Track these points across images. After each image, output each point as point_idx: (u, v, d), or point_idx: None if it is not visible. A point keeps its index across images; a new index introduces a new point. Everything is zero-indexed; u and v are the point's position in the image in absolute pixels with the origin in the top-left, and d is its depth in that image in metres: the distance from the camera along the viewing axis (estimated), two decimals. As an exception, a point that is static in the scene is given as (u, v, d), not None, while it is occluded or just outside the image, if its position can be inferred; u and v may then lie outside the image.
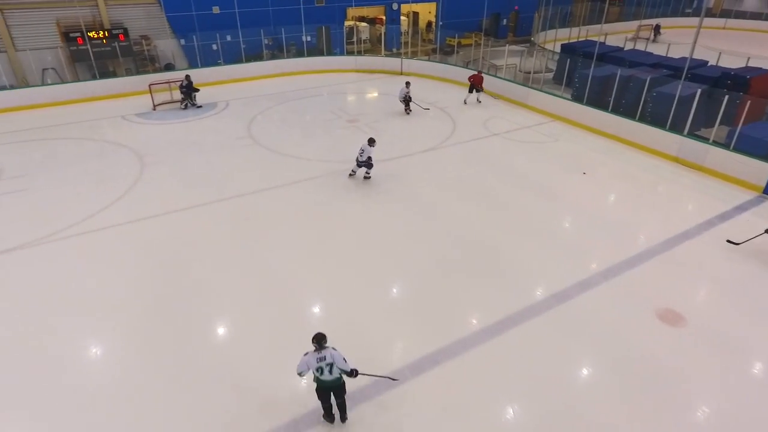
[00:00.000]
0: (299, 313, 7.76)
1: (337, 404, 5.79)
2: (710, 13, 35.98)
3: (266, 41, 23.18)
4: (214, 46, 21.89)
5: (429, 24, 30.50)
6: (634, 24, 31.96)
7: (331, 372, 5.44)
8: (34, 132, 15.40)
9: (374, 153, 11.80)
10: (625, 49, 22.07)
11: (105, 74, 20.09)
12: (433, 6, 29.00)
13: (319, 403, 5.74)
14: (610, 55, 19.79)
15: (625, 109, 15.32)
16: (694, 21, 34.18)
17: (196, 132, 15.59)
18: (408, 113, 17.05)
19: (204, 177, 12.36)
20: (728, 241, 9.56)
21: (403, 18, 28.70)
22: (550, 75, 20.79)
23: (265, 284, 8.38)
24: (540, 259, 9.14)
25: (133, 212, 10.58)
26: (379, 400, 6.20)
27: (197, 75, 18.95)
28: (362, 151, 11.77)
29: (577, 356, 7.00)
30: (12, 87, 18.27)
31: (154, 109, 17.53)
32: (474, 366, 6.75)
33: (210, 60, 21.90)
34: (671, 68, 17.14)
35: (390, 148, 14.04)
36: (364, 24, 27.83)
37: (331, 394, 5.68)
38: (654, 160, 13.69)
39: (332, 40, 25.44)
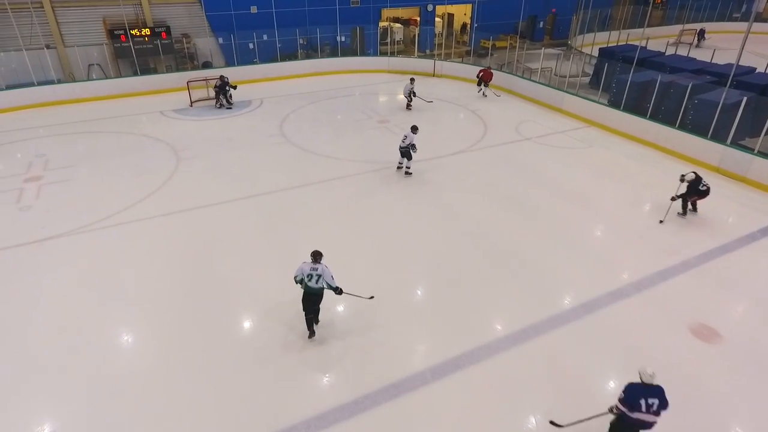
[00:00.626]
0: (324, 309, 7.83)
1: (314, 310, 7.07)
2: (760, 18, 34.34)
3: (301, 41, 23.52)
4: (251, 45, 22.36)
5: (464, 26, 30.28)
6: (676, 28, 30.84)
7: (317, 282, 6.72)
8: (79, 125, 16.09)
9: (416, 141, 12.09)
10: (667, 54, 21.36)
11: (146, 71, 20.80)
12: (468, 8, 28.77)
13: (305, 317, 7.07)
14: (651, 60, 19.20)
15: (664, 116, 14.83)
16: (741, 26, 32.86)
17: (230, 129, 15.95)
18: (409, 109, 17.58)
19: (236, 173, 12.64)
20: (660, 221, 10.24)
21: (437, 19, 28.58)
22: (587, 79, 20.33)
23: (291, 281, 8.49)
24: (569, 267, 8.96)
25: (168, 205, 10.93)
26: (398, 401, 6.20)
27: (233, 73, 19.39)
28: (405, 137, 12.05)
29: (605, 369, 6.82)
30: (59, 81, 19.13)
31: (191, 106, 18.04)
32: (497, 373, 6.67)
33: (246, 59, 22.38)
34: (715, 75, 16.49)
35: (420, 150, 14.00)
36: (398, 25, 27.88)
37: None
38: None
39: (366, 41, 25.58)
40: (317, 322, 7.29)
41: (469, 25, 29.16)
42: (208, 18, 22.22)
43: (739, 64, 13.74)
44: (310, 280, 6.72)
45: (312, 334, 7.15)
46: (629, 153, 14.25)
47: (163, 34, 20.92)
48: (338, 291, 6.88)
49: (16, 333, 7.35)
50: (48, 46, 19.42)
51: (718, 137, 13.11)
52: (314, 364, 6.81)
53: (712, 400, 6.35)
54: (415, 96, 17.44)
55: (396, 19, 29.25)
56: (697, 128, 13.70)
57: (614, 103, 16.29)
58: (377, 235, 9.91)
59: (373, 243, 9.65)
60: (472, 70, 21.67)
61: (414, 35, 25.85)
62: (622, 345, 7.17)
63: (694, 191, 10.14)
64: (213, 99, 18.18)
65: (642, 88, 15.66)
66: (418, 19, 27.92)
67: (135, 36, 20.32)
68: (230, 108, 17.93)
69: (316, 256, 6.77)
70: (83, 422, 5.96)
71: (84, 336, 7.26)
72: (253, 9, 22.89)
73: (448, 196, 11.52)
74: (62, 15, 19.91)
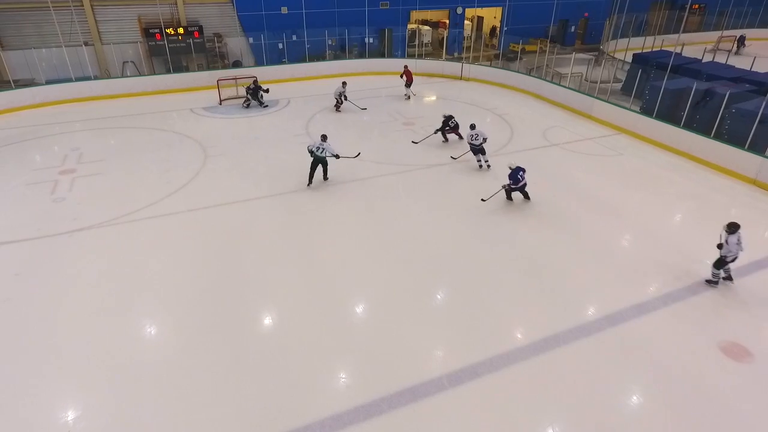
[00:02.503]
0: (344, 312, 7.86)
1: (324, 170, 11.80)
2: (805, 25, 33.02)
3: (330, 42, 23.71)
4: (280, 45, 22.66)
5: (493, 29, 29.99)
6: (714, 35, 29.85)
7: (321, 153, 11.29)
8: (112, 120, 16.58)
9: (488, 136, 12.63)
10: (704, 61, 20.70)
11: (178, 69, 21.30)
12: (498, 11, 28.49)
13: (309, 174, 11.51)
14: (686, 67, 18.61)
15: (699, 125, 14.35)
16: (785, 33, 31.64)
17: (257, 127, 16.18)
18: (338, 111, 17.70)
19: (262, 172, 12.80)
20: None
21: (466, 22, 28.39)
22: (619, 85, 19.86)
23: (312, 281, 8.55)
24: (594, 278, 8.74)
25: (195, 201, 11.14)
26: (413, 407, 6.15)
27: (262, 72, 19.73)
28: (475, 135, 12.37)
29: (628, 384, 6.61)
30: (96, 78, 19.75)
31: (220, 104, 18.37)
32: (515, 383, 6.55)
33: (275, 58, 22.69)
34: (755, 83, 15.87)
35: (446, 152, 13.94)
36: (426, 27, 27.80)
37: (319, 165, 11.58)
38: (728, 181, 12.74)
39: (393, 43, 25.60)
40: (327, 178, 11.95)
41: (498, 29, 28.87)
42: (239, 18, 22.63)
43: (781, 72, 13.22)
44: (317, 151, 11.26)
45: (310, 183, 11.63)
46: (661, 162, 13.85)
47: (196, 33, 21.42)
48: (336, 156, 11.52)
49: (47, 319, 7.59)
50: (86, 44, 20.12)
51: (756, 148, 12.61)
52: (332, 364, 6.82)
53: (738, 418, 6.09)
54: (346, 99, 17.58)
55: (425, 22, 29.19)
56: (734, 138, 13.20)
57: (647, 111, 15.85)
58: (398, 238, 9.87)
59: (394, 245, 9.62)
60: (501, 75, 21.49)
61: (442, 38, 25.74)
62: (647, 360, 6.94)
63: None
64: (242, 98, 18.47)
65: (676, 95, 15.20)
66: (447, 21, 27.79)
67: (169, 35, 20.84)
68: (266, 106, 18.27)
69: (324, 137, 11.42)
70: (105, 409, 6.11)
71: (110, 325, 7.45)
72: (284, 9, 23.19)
73: (472, 201, 11.39)
74: (100, 13, 20.58)
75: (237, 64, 22.25)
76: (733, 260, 8.29)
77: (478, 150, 12.63)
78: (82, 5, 19.99)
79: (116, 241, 9.67)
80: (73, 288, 8.32)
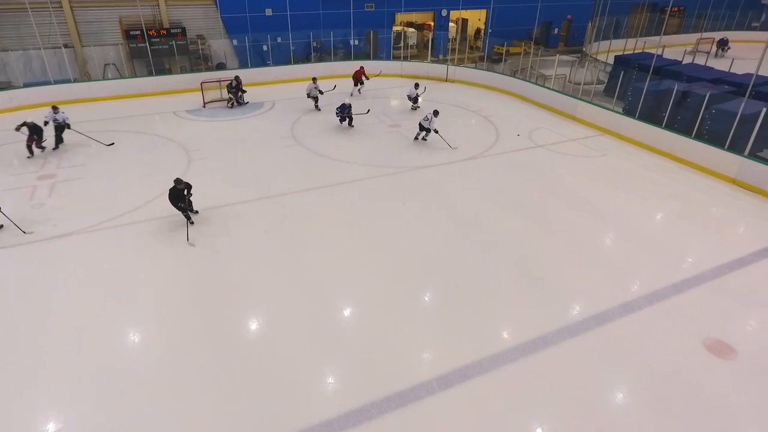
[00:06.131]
0: (331, 315, 7.79)
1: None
2: (780, 27, 33.85)
3: (315, 44, 23.61)
4: (264, 47, 22.49)
5: (477, 31, 30.19)
6: (694, 37, 30.45)
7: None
8: (93, 124, 16.22)
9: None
10: (684, 62, 21.07)
11: (161, 71, 21.01)
12: (483, 13, 28.69)
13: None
14: (667, 69, 18.91)
15: (680, 125, 14.60)
16: (761, 35, 32.41)
17: (242, 130, 16.02)
18: (319, 110, 17.90)
19: (247, 175, 12.66)
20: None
21: (451, 24, 28.52)
22: (602, 87, 20.12)
23: (299, 284, 8.46)
24: (580, 278, 8.81)
25: (178, 205, 10.94)
26: (403, 411, 6.11)
27: (247, 75, 19.53)
28: (428, 118, 14.39)
29: (615, 383, 6.66)
30: (76, 80, 19.37)
31: (204, 107, 18.16)
32: (504, 384, 6.55)
33: (260, 60, 22.51)
34: (734, 84, 16.17)
35: (432, 155, 13.96)
36: (411, 29, 27.87)
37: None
38: (710, 180, 12.97)
39: (379, 45, 25.60)
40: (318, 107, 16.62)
41: (483, 31, 29.07)
42: (223, 19, 22.40)
43: (759, 74, 13.50)
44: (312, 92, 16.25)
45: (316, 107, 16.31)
46: (644, 162, 14.05)
47: (179, 35, 21.13)
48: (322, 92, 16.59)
49: (27, 328, 7.37)
50: (66, 46, 19.71)
51: (736, 148, 12.86)
52: (320, 369, 6.75)
53: (723, 414, 6.17)
54: (321, 94, 17.64)
55: (410, 24, 29.27)
56: (714, 139, 13.46)
57: (629, 112, 16.08)
58: (386, 240, 9.83)
59: (382, 248, 9.58)
60: (486, 76, 21.62)
61: (427, 40, 25.82)
62: (633, 358, 7.01)
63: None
64: (226, 100, 18.29)
65: (658, 96, 15.44)
66: (432, 23, 27.90)
67: (151, 37, 20.54)
68: (247, 103, 18.22)
69: (314, 80, 15.66)
70: (88, 419, 5.95)
71: (93, 333, 7.27)
72: (268, 11, 23.03)
73: (459, 202, 11.42)
74: (80, 15, 20.20)
75: (221, 67, 22.01)
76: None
77: (425, 129, 14.41)
78: (62, 6, 19.59)
79: (98, 247, 9.46)
80: (55, 296, 8.11)
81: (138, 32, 20.48)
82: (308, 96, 17.77)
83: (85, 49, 20.27)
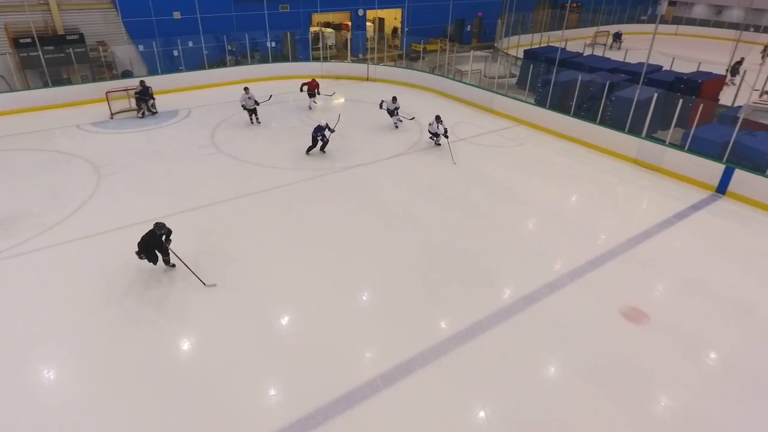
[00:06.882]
0: (264, 328, 7.57)
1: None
2: (663, 20, 37.55)
3: (229, 47, 22.78)
4: (175, 52, 21.33)
5: (395, 30, 30.65)
6: (592, 30, 33.03)
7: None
8: (-19, 143, 14.57)
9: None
10: (585, 54, 22.74)
11: (58, 82, 19.25)
12: (398, 12, 29.17)
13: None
14: (571, 61, 20.33)
15: (586, 113, 15.74)
16: (649, 27, 35.78)
17: (157, 141, 15.10)
18: (257, 122, 16.53)
19: (166, 187, 11.96)
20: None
21: (368, 24, 28.72)
22: (514, 80, 21.20)
23: (236, 293, 8.13)
24: (508, 262, 9.24)
25: (90, 227, 10.10)
26: (351, 413, 6.07)
27: (158, 82, 18.42)
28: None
29: (548, 357, 7.07)
30: (-44, 96, 17.27)
31: (112, 118, 16.88)
32: (446, 373, 6.71)
33: (171, 66, 21.32)
34: (629, 73, 17.73)
35: (359, 154, 13.98)
36: (329, 30, 27.72)
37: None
38: (615, 162, 14.11)
39: (297, 46, 25.21)
40: (257, 119, 16.35)
41: (400, 29, 29.56)
42: (125, 24, 20.93)
43: (649, 62, 14.84)
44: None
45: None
46: (557, 149, 14.99)
47: (76, 42, 19.46)
48: (256, 103, 15.76)
49: None
50: (-60, 57, 17.48)
51: (635, 131, 14.10)
52: (260, 381, 6.54)
53: (641, 374, 6.75)
54: (258, 104, 16.13)
55: (327, 24, 29.09)
56: (616, 123, 14.66)
57: (540, 102, 17.09)
58: (320, 243, 9.71)
59: (316, 250, 9.45)
60: (406, 74, 22.00)
61: (346, 40, 25.82)
62: (561, 332, 7.47)
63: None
64: (135, 110, 17.14)
65: (564, 87, 16.54)
66: (350, 23, 27.93)
67: (44, 44, 18.75)
68: (156, 112, 17.07)
69: (246, 89, 15.27)
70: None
71: (4, 376, 6.53)
72: (177, 14, 21.87)
73: (389, 199, 11.54)
74: (-45, 22, 18.02)
75: (127, 74, 20.59)
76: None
77: (435, 134, 14.62)
78: (-69, 14, 17.37)
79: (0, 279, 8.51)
80: (-54, 339, 7.18)
81: (29, 40, 18.62)
82: (244, 108, 16.20)
83: (-35, 60, 18.12)
